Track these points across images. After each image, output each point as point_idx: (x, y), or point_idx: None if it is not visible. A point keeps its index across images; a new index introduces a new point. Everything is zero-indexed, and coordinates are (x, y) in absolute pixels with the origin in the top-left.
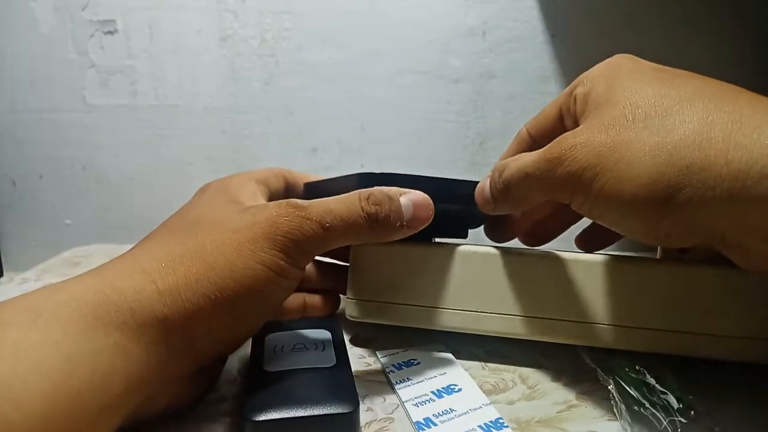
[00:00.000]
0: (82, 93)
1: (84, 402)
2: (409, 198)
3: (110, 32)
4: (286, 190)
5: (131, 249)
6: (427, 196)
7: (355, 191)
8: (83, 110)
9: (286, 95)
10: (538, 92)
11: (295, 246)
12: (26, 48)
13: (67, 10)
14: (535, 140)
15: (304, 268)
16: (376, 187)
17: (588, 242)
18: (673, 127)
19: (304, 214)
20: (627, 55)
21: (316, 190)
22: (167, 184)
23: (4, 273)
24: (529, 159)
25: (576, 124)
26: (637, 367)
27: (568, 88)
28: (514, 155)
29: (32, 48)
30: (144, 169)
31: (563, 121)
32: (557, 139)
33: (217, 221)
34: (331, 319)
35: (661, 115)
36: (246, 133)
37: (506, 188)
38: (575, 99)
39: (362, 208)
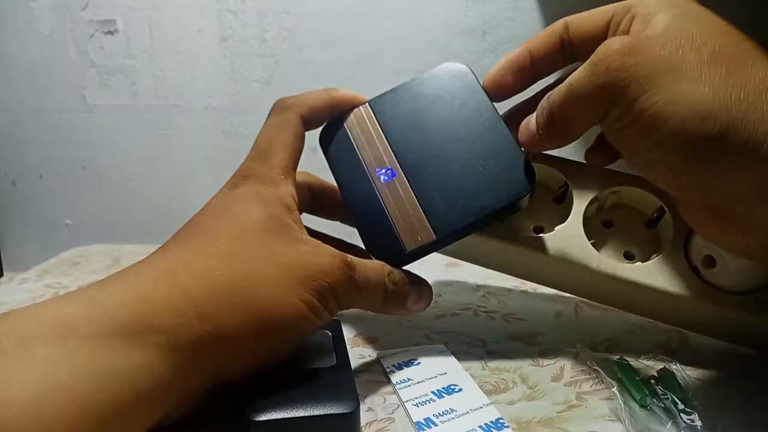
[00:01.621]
0: (82, 93)
1: (109, 423)
2: (415, 285)
3: (110, 32)
4: (311, 198)
5: (165, 250)
6: (431, 289)
7: (383, 267)
8: (83, 110)
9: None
10: None
11: (334, 297)
12: (26, 48)
13: (67, 10)
14: (572, 44)
15: (335, 314)
16: (395, 269)
17: (600, 156)
18: (737, 73)
19: (351, 274)
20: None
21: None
22: (167, 184)
23: (4, 273)
24: (574, 73)
25: None
26: (637, 368)
27: (618, 4)
28: (544, 44)
29: (32, 48)
30: (144, 169)
31: (608, 31)
32: (607, 41)
33: (266, 247)
34: (332, 319)
35: (727, 58)
36: (246, 133)
37: (550, 112)
38: (634, 17)
39: (386, 282)
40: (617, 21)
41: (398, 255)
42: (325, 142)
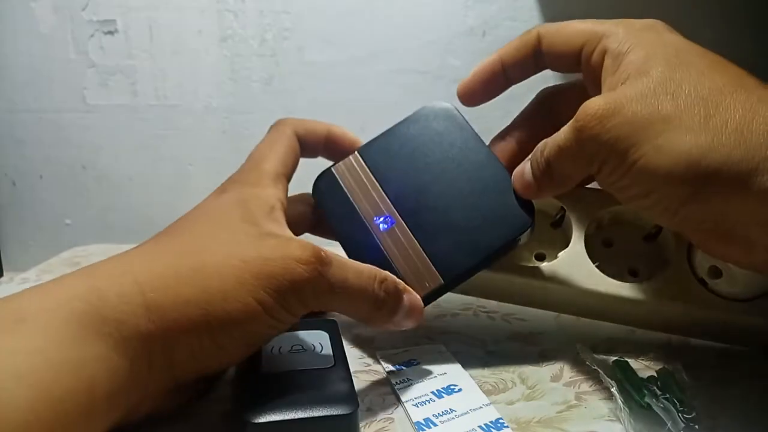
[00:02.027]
0: (82, 93)
1: (66, 410)
2: (409, 299)
3: (110, 32)
4: (316, 218)
5: (131, 249)
6: (422, 305)
7: (374, 271)
8: (83, 110)
9: (286, 95)
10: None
11: (297, 297)
12: (26, 48)
13: (67, 10)
14: (545, 56)
15: (298, 316)
16: (390, 274)
17: None
18: (716, 113)
19: (322, 271)
20: (662, 22)
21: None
22: (167, 184)
23: (4, 273)
24: (561, 132)
25: (596, 76)
26: (637, 368)
27: (590, 28)
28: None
29: (32, 48)
30: (144, 169)
31: (581, 56)
32: (585, 105)
33: (228, 242)
34: (329, 320)
35: (704, 98)
36: (246, 133)
37: (548, 166)
38: (605, 52)
39: (374, 289)
40: (588, 51)
41: None
42: (318, 195)
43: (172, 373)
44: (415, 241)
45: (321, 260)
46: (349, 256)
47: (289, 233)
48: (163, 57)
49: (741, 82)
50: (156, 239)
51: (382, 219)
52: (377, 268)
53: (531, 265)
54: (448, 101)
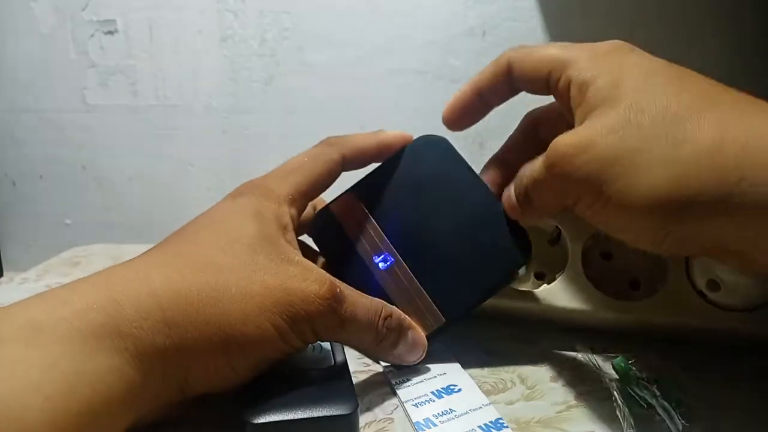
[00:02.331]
0: (82, 93)
1: (83, 423)
2: (413, 336)
3: (110, 32)
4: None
5: (146, 254)
6: (425, 343)
7: (380, 306)
8: (83, 110)
9: (286, 95)
10: None
11: (311, 327)
12: (26, 48)
13: (67, 10)
14: (516, 82)
15: (308, 343)
16: (396, 310)
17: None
18: (685, 138)
19: (336, 307)
20: (626, 44)
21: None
22: (167, 184)
23: (4, 273)
24: (536, 163)
25: (566, 102)
26: (636, 368)
27: (555, 56)
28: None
29: (32, 48)
30: (144, 169)
31: (549, 82)
32: (554, 143)
33: (249, 264)
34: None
35: (671, 122)
36: (246, 133)
37: (526, 195)
38: (570, 82)
39: (378, 325)
40: (555, 80)
41: None
42: (317, 233)
43: (182, 388)
44: (415, 280)
45: (336, 297)
46: None
47: (305, 261)
48: (163, 57)
49: (709, 96)
50: (172, 245)
51: (381, 258)
52: (385, 303)
53: (531, 288)
54: (448, 99)
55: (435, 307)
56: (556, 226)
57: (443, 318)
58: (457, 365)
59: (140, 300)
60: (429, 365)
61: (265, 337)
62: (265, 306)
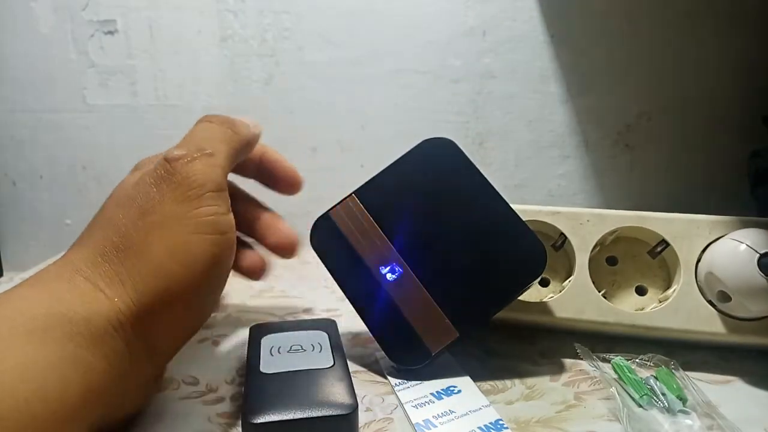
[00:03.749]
0: (82, 93)
1: (34, 411)
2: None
3: (110, 32)
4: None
5: (68, 251)
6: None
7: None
8: (83, 110)
9: (286, 95)
10: (538, 92)
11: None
12: (26, 48)
13: (67, 10)
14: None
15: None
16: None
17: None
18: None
19: (207, 158)
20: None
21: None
22: None
23: (4, 273)
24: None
25: None
26: (636, 368)
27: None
28: None
29: (32, 48)
30: None
31: None
32: None
33: (162, 215)
34: (328, 320)
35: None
36: None
37: None
38: None
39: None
40: None
41: (424, 358)
42: (317, 244)
43: (154, 358)
44: (426, 292)
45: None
46: (355, 306)
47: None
48: (163, 57)
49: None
50: (88, 231)
51: (388, 268)
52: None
53: (535, 295)
54: (448, 99)
55: (448, 321)
56: (561, 233)
57: (456, 333)
58: (457, 366)
59: (78, 288)
60: (428, 366)
61: (199, 251)
62: (183, 229)
